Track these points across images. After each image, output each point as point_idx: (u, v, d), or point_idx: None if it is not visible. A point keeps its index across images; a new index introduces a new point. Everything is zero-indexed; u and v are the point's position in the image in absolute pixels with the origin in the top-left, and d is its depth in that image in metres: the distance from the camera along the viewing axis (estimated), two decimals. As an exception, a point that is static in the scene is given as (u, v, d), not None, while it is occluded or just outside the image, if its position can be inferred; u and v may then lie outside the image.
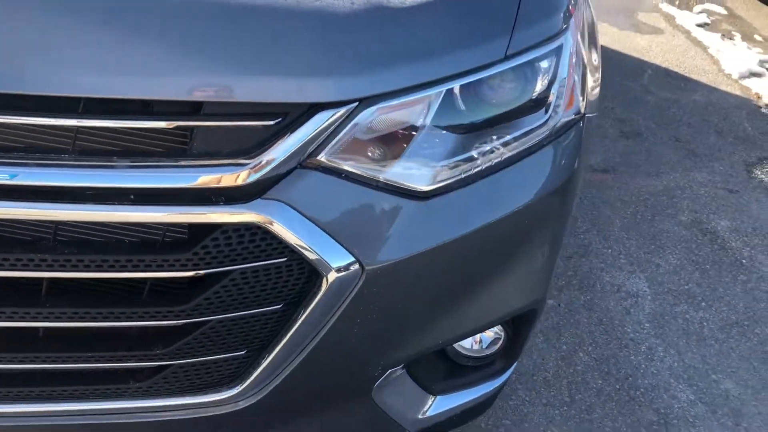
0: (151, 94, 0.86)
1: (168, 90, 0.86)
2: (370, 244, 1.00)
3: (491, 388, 1.35)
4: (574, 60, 1.22)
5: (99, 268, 0.90)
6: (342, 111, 0.93)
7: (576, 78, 1.22)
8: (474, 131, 1.09)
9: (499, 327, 1.32)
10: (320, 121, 0.92)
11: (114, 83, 0.85)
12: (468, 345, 1.31)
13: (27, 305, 0.92)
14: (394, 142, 1.02)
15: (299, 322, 1.01)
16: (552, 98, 1.15)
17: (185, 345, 0.99)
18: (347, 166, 0.97)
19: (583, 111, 1.23)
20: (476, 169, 1.08)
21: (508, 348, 1.34)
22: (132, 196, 0.88)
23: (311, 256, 0.96)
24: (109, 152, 0.88)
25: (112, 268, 0.91)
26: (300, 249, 0.95)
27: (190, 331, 0.99)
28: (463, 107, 1.08)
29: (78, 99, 0.85)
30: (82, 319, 0.94)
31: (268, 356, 1.03)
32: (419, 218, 1.04)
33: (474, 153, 1.08)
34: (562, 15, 1.18)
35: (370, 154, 0.99)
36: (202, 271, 0.93)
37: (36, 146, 0.87)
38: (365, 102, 0.95)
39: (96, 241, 0.92)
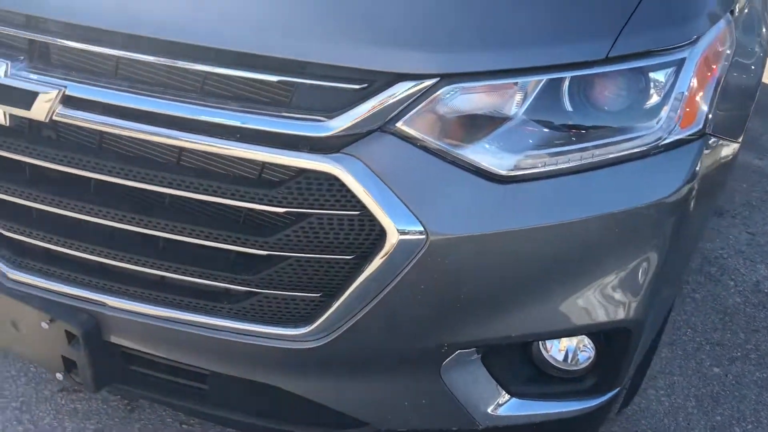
0: (265, 51, 1.04)
1: (279, 49, 1.03)
2: (438, 215, 1.07)
3: (580, 407, 1.31)
4: (705, 77, 1.18)
5: (207, 192, 1.09)
6: (422, 84, 1.03)
7: (702, 95, 1.18)
8: (570, 130, 1.11)
9: (589, 342, 1.28)
10: (401, 90, 1.03)
11: (239, 39, 1.04)
12: (554, 353, 1.30)
13: (155, 216, 1.14)
14: (479, 123, 1.08)
15: (364, 275, 1.11)
16: (664, 112, 1.13)
17: (268, 275, 1.14)
18: (425, 137, 1.05)
19: (705, 131, 1.18)
20: (565, 165, 1.10)
21: (601, 368, 1.30)
22: (238, 135, 1.06)
23: (378, 213, 1.05)
24: (225, 96, 1.08)
25: (216, 193, 1.09)
26: (368, 204, 1.05)
27: (273, 263, 1.13)
28: (564, 104, 1.11)
29: (211, 49, 1.05)
30: (192, 234, 1.13)
31: (336, 302, 1.14)
32: (494, 200, 1.09)
33: (566, 149, 1.10)
34: (691, 27, 1.15)
35: (450, 130, 1.07)
36: (282, 209, 1.07)
37: (173, 84, 1.09)
38: (447, 79, 1.03)
39: (208, 170, 1.12)
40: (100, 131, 1.14)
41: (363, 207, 1.06)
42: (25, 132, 1.17)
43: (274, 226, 1.12)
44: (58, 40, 1.10)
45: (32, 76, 1.10)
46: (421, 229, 1.07)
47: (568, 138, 1.11)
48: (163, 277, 1.23)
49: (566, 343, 1.29)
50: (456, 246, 1.09)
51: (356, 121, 1.03)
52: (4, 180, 1.20)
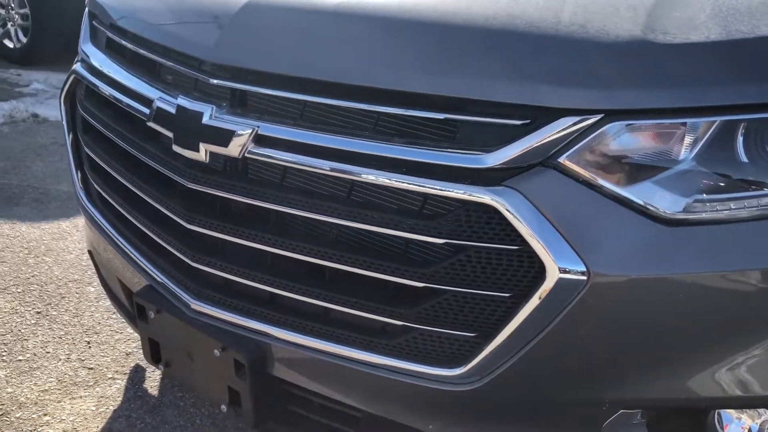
0: (432, 91, 1.11)
1: (444, 88, 1.10)
2: (601, 255, 1.04)
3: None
4: None
5: (374, 222, 1.15)
6: (586, 120, 1.04)
7: None
8: (747, 178, 1.06)
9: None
10: (562, 125, 1.04)
11: (409, 80, 1.12)
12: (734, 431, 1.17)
13: (324, 246, 1.21)
14: (645, 163, 1.06)
15: (521, 315, 1.09)
16: None
17: (425, 310, 1.16)
18: (587, 174, 1.05)
19: None
20: (740, 211, 1.04)
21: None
22: (404, 168, 1.13)
23: (538, 248, 1.05)
24: (394, 133, 1.15)
25: (381, 224, 1.14)
26: (528, 239, 1.05)
27: (430, 298, 1.15)
28: (738, 152, 1.06)
29: (384, 91, 1.14)
30: (356, 263, 1.18)
31: (491, 343, 1.12)
32: (660, 243, 1.04)
33: (741, 196, 1.05)
34: None
35: (614, 167, 1.05)
36: (440, 240, 1.10)
37: (350, 124, 1.19)
38: (612, 115, 1.03)
39: (375, 202, 1.19)
40: (284, 167, 1.26)
41: (522, 241, 1.06)
42: (219, 169, 1.31)
43: (433, 259, 1.15)
44: (255, 88, 1.25)
45: (231, 118, 1.26)
46: (583, 268, 1.04)
47: (743, 186, 1.05)
48: (327, 310, 1.29)
49: (750, 421, 1.16)
50: (620, 288, 1.05)
51: (518, 154, 1.06)
52: (200, 214, 1.34)
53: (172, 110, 1.32)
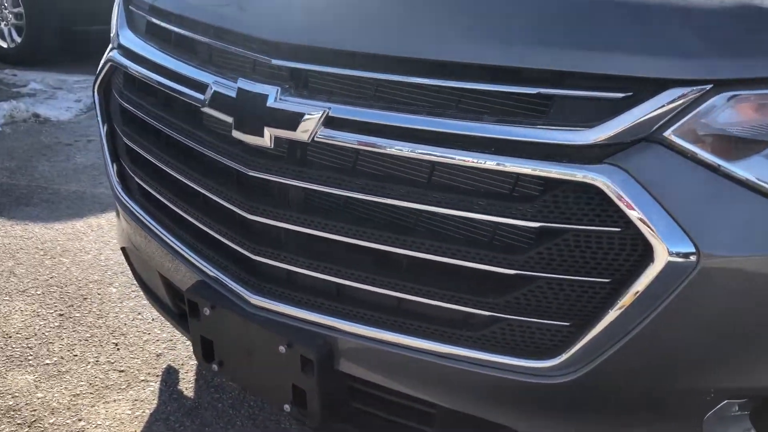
0: (523, 64, 1.04)
1: (537, 61, 1.03)
2: (711, 235, 0.98)
3: None
4: None
5: (460, 207, 1.08)
6: (692, 91, 0.97)
7: None
8: None
9: None
10: (668, 98, 0.97)
11: (496, 53, 1.05)
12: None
13: (402, 234, 1.14)
14: (756, 135, 1.00)
15: (623, 302, 1.02)
16: None
17: (515, 299, 1.09)
18: (695, 149, 0.98)
19: None
20: None
21: None
22: (493, 148, 1.06)
23: (645, 230, 0.98)
24: (481, 111, 1.08)
25: (469, 208, 1.08)
26: (635, 220, 0.98)
27: (521, 286, 1.08)
28: None
29: (468, 65, 1.07)
30: (440, 251, 1.11)
31: (588, 332, 1.06)
32: (775, 221, 0.98)
33: None
34: None
35: (723, 141, 0.99)
36: (536, 224, 1.04)
37: (429, 102, 1.12)
38: (720, 86, 0.97)
39: (459, 186, 1.12)
40: (356, 151, 1.19)
41: (627, 223, 0.99)
42: (284, 156, 1.24)
43: (525, 244, 1.08)
44: (322, 66, 1.18)
45: (298, 100, 1.18)
46: (693, 249, 0.98)
47: None
48: (399, 301, 1.22)
49: None
50: (730, 270, 0.98)
51: (621, 129, 0.99)
52: (262, 203, 1.27)
53: (232, 94, 1.24)
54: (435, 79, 1.10)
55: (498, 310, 1.11)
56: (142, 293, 2.54)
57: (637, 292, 1.01)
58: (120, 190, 1.70)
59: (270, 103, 1.19)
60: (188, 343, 2.30)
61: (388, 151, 1.12)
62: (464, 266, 1.11)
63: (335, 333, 1.26)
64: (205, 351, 1.47)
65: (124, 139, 1.61)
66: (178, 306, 1.69)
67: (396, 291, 1.18)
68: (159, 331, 2.38)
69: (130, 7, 1.64)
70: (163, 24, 1.49)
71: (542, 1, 1.05)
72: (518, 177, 1.07)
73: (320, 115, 1.15)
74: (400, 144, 1.11)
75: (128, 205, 1.67)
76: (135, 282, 2.64)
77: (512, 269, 1.07)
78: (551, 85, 1.03)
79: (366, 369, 1.27)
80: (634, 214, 0.98)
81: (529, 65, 1.04)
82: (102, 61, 1.68)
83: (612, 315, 1.04)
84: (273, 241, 1.30)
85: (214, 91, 1.28)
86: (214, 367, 1.46)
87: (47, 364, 2.18)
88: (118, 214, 1.81)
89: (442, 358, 1.18)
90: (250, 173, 1.25)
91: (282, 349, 1.28)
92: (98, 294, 2.62)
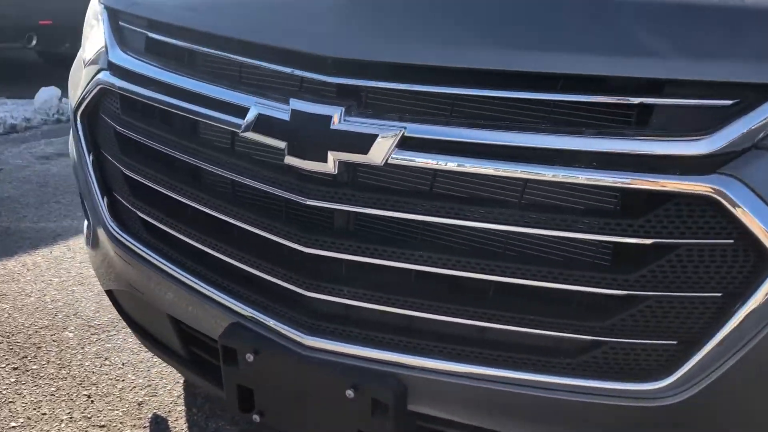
0: (623, 72, 0.98)
1: (639, 69, 0.98)
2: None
3: None
4: None
5: (561, 227, 1.01)
6: (804, 95, 0.95)
7: None
8: None
9: None
10: (779, 103, 0.95)
11: (594, 61, 0.99)
12: None
13: (488, 259, 1.06)
14: None
15: (738, 315, 0.99)
16: None
17: (621, 321, 1.03)
18: (810, 154, 0.96)
19: None
20: None
21: None
22: (594, 162, 1.00)
23: (765, 238, 0.95)
24: (577, 123, 1.02)
25: (567, 228, 1.01)
26: (754, 230, 0.95)
27: (627, 306, 1.03)
28: None
29: (556, 76, 1.01)
30: (529, 276, 1.04)
31: (701, 350, 1.01)
32: None
33: None
34: None
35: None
36: (650, 240, 0.98)
37: (516, 116, 1.05)
38: (830, 89, 0.95)
39: (556, 205, 1.05)
40: (434, 172, 1.10)
41: (742, 233, 0.96)
42: (349, 181, 1.13)
43: (630, 263, 1.02)
44: (392, 83, 1.08)
45: (365, 120, 1.08)
46: None
47: None
48: (482, 330, 1.13)
49: None
50: None
51: (735, 138, 0.95)
52: (318, 234, 1.15)
53: (284, 117, 1.12)
54: (524, 92, 1.02)
55: (601, 334, 1.05)
56: (104, 336, 2.32)
57: (753, 304, 0.98)
58: (113, 225, 1.52)
59: (335, 125, 1.08)
60: (170, 387, 2.11)
61: (475, 170, 1.04)
62: (556, 290, 1.04)
63: (409, 371, 1.16)
64: (242, 401, 1.32)
65: (123, 169, 1.43)
66: (190, 351, 1.53)
67: (483, 321, 1.10)
68: (133, 377, 2.17)
69: (120, 23, 1.47)
70: (170, 41, 1.34)
71: (642, 9, 1.00)
72: (624, 192, 1.01)
73: (395, 135, 1.05)
74: (491, 163, 1.03)
75: (126, 242, 1.49)
76: (93, 325, 2.42)
77: (622, 290, 1.01)
78: (653, 94, 0.99)
79: (442, 406, 1.18)
80: (751, 224, 0.95)
81: (628, 74, 0.98)
82: (85, 84, 1.50)
83: (726, 330, 1.00)
84: (331, 275, 1.19)
85: (259, 114, 1.15)
86: (255, 417, 1.32)
87: (13, 427, 1.93)
88: (97, 252, 1.63)
89: (531, 389, 1.11)
90: (308, 202, 1.13)
91: (349, 393, 1.17)
92: (53, 341, 2.36)
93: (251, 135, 1.17)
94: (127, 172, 1.43)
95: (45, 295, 2.67)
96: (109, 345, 2.32)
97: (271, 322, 1.25)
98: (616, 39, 1.00)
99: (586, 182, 1.00)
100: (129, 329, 2.35)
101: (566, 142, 1.00)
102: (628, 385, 1.06)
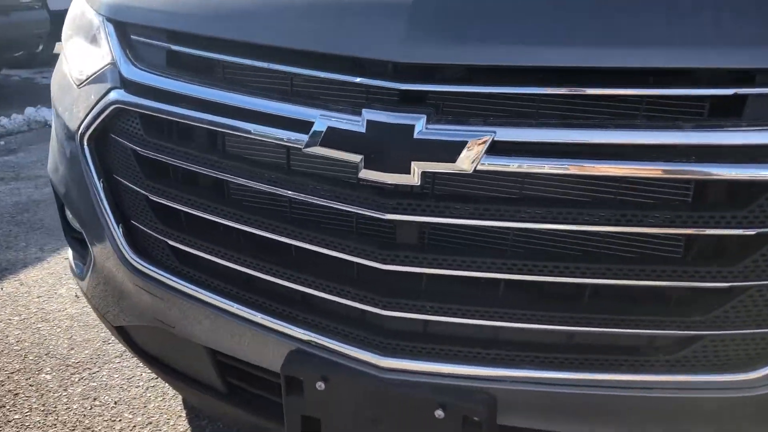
0: (708, 64, 0.98)
1: (728, 60, 0.98)
2: None
3: None
4: None
5: (665, 223, 0.99)
6: None
7: None
8: None
9: None
10: None
11: (676, 54, 0.98)
12: None
13: (591, 261, 1.04)
14: None
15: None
16: None
17: (723, 312, 1.03)
18: None
19: None
20: None
21: None
22: (693, 156, 0.99)
23: None
24: (670, 117, 1.01)
25: (676, 223, 0.99)
26: None
27: (729, 298, 1.03)
28: None
29: (650, 70, 0.99)
30: (626, 276, 1.02)
31: (801, 335, 1.03)
32: None
33: None
34: None
35: None
36: (755, 230, 0.98)
37: (609, 113, 1.03)
38: None
39: (656, 201, 1.04)
40: (524, 176, 1.06)
41: (841, 218, 0.97)
42: (435, 193, 1.08)
43: (729, 254, 1.02)
44: (475, 87, 1.03)
45: (449, 127, 1.03)
46: None
47: None
48: (571, 335, 1.11)
49: None
50: None
51: (831, 126, 0.97)
52: (397, 250, 1.09)
53: (360, 129, 1.05)
54: (617, 88, 1.00)
55: (703, 328, 1.04)
56: (87, 375, 2.16)
57: None
58: (133, 256, 1.40)
59: (418, 134, 1.02)
60: (173, 422, 1.98)
61: (572, 170, 1.01)
62: (645, 288, 1.03)
63: (499, 383, 1.12)
64: (307, 432, 1.24)
65: (150, 195, 1.32)
66: (229, 384, 1.43)
67: (581, 326, 1.07)
68: (130, 415, 2.02)
69: (132, 37, 1.35)
70: (198, 53, 1.24)
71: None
72: (727, 183, 1.01)
73: (485, 141, 1.01)
74: (588, 162, 1.00)
75: (152, 273, 1.37)
76: (70, 363, 2.25)
77: (727, 282, 1.01)
78: (746, 84, 0.99)
79: (534, 417, 1.15)
80: None
81: (719, 65, 0.98)
82: (91, 105, 1.37)
83: (824, 315, 1.01)
84: (410, 292, 1.13)
85: (329, 128, 1.07)
86: (323, 448, 1.24)
87: (9, 484, 1.76)
88: (102, 287, 1.50)
89: (626, 390, 1.09)
90: (387, 216, 1.07)
91: (439, 413, 1.12)
92: (30, 386, 2.17)
93: (318, 150, 1.09)
94: (155, 198, 1.32)
95: (8, 336, 2.46)
96: (94, 384, 2.16)
97: (338, 346, 1.18)
98: (704, 30, 0.99)
99: (688, 176, 0.99)
100: (113, 365, 2.20)
101: (663, 136, 0.99)
102: (724, 377, 1.06)
